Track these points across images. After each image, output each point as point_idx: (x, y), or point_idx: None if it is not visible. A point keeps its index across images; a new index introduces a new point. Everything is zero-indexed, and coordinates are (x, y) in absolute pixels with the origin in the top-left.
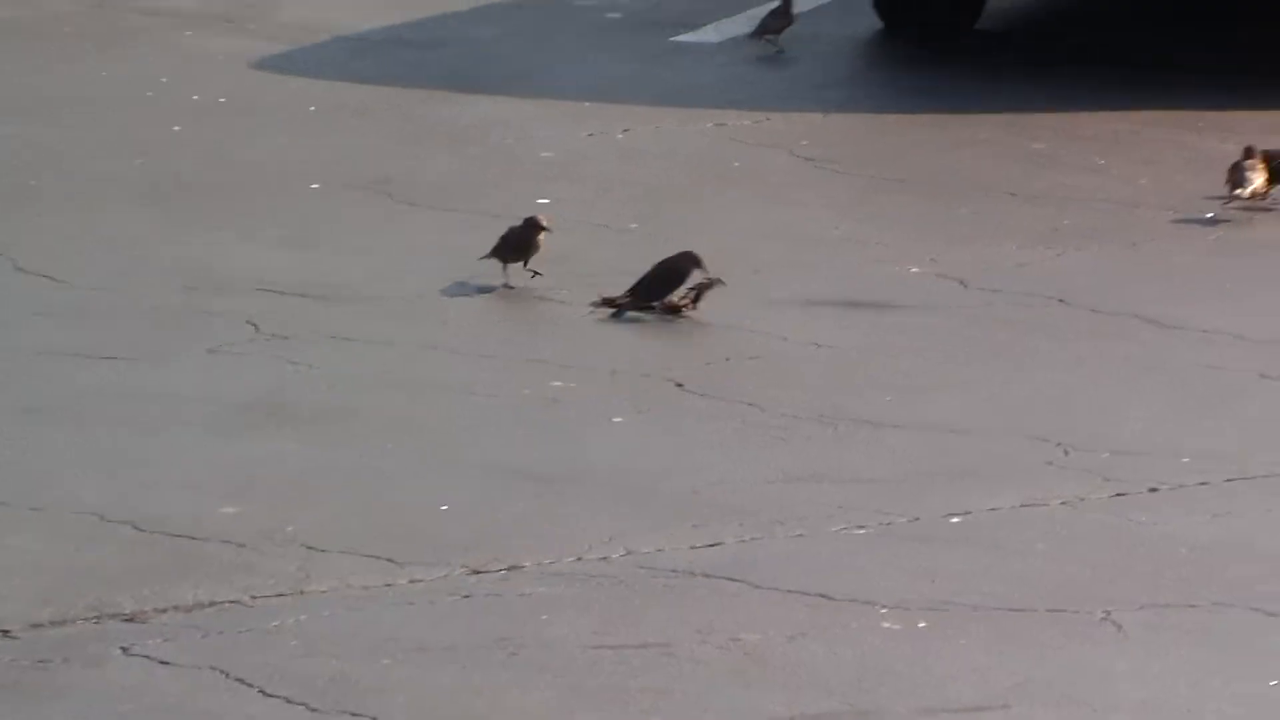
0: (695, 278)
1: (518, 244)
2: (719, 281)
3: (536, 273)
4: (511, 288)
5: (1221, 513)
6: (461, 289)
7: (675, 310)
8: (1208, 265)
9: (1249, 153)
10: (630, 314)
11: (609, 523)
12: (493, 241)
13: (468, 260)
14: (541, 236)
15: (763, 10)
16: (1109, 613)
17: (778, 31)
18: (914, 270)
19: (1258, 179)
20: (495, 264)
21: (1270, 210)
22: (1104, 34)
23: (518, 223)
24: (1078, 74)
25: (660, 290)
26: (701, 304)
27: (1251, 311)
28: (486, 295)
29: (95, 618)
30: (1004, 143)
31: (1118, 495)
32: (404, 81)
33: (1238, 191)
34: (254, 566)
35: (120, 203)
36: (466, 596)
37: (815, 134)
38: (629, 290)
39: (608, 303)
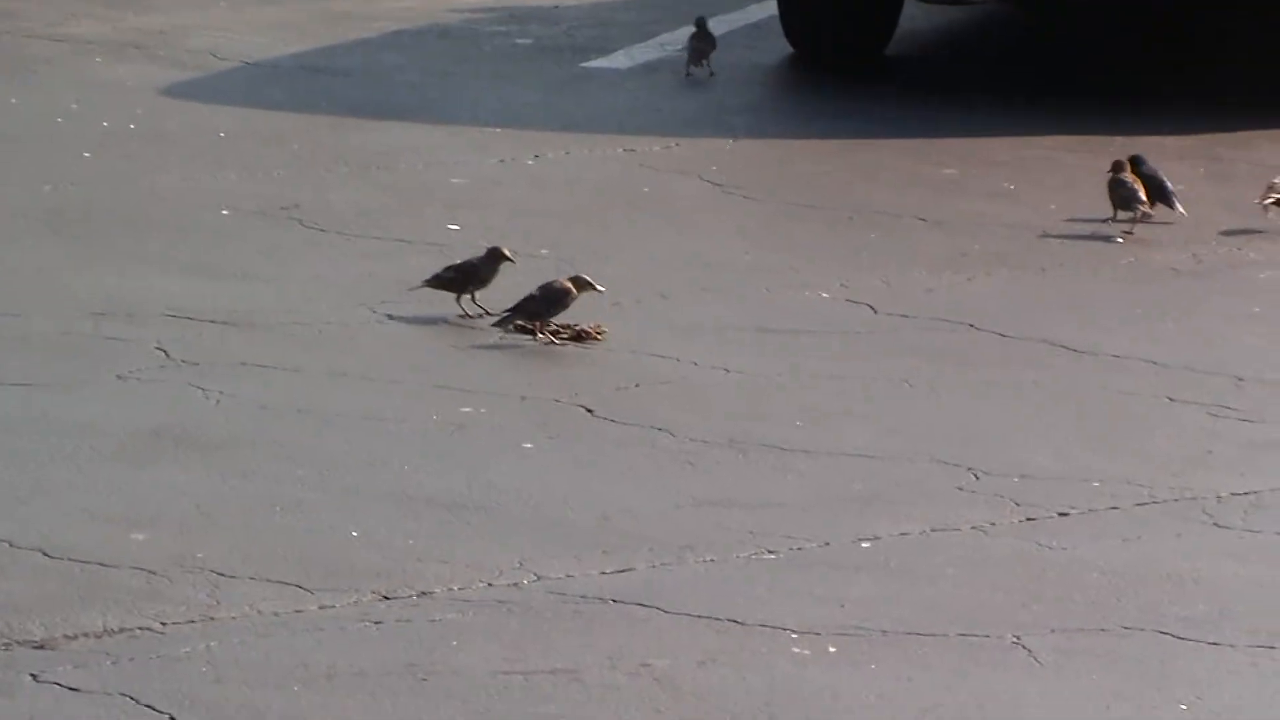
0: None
1: (479, 275)
2: (592, 335)
3: (486, 311)
4: (470, 316)
5: (1131, 537)
6: (371, 315)
7: (579, 338)
8: (1117, 290)
9: (1119, 167)
10: (539, 340)
11: (519, 549)
12: (415, 268)
13: (377, 286)
14: (502, 267)
15: (673, 37)
16: (1019, 638)
17: (706, 55)
18: (824, 296)
19: (1142, 192)
20: (418, 291)
21: (1177, 234)
22: (1013, 59)
23: (479, 253)
24: (987, 99)
25: (546, 309)
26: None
27: (1161, 336)
28: (395, 321)
29: (4, 645)
30: (913, 168)
31: (1028, 520)
32: (313, 108)
33: (1143, 210)
34: (164, 593)
35: (29, 230)
36: (377, 623)
37: (724, 160)
38: (516, 307)
39: (517, 326)
